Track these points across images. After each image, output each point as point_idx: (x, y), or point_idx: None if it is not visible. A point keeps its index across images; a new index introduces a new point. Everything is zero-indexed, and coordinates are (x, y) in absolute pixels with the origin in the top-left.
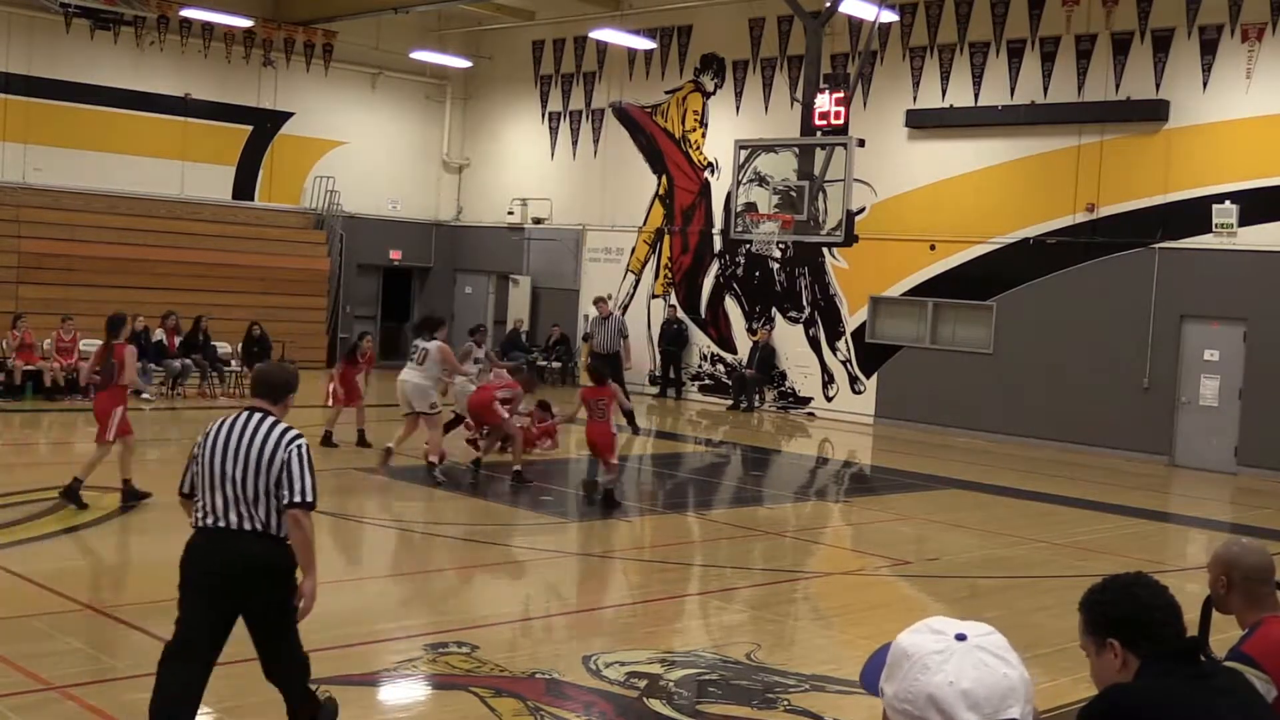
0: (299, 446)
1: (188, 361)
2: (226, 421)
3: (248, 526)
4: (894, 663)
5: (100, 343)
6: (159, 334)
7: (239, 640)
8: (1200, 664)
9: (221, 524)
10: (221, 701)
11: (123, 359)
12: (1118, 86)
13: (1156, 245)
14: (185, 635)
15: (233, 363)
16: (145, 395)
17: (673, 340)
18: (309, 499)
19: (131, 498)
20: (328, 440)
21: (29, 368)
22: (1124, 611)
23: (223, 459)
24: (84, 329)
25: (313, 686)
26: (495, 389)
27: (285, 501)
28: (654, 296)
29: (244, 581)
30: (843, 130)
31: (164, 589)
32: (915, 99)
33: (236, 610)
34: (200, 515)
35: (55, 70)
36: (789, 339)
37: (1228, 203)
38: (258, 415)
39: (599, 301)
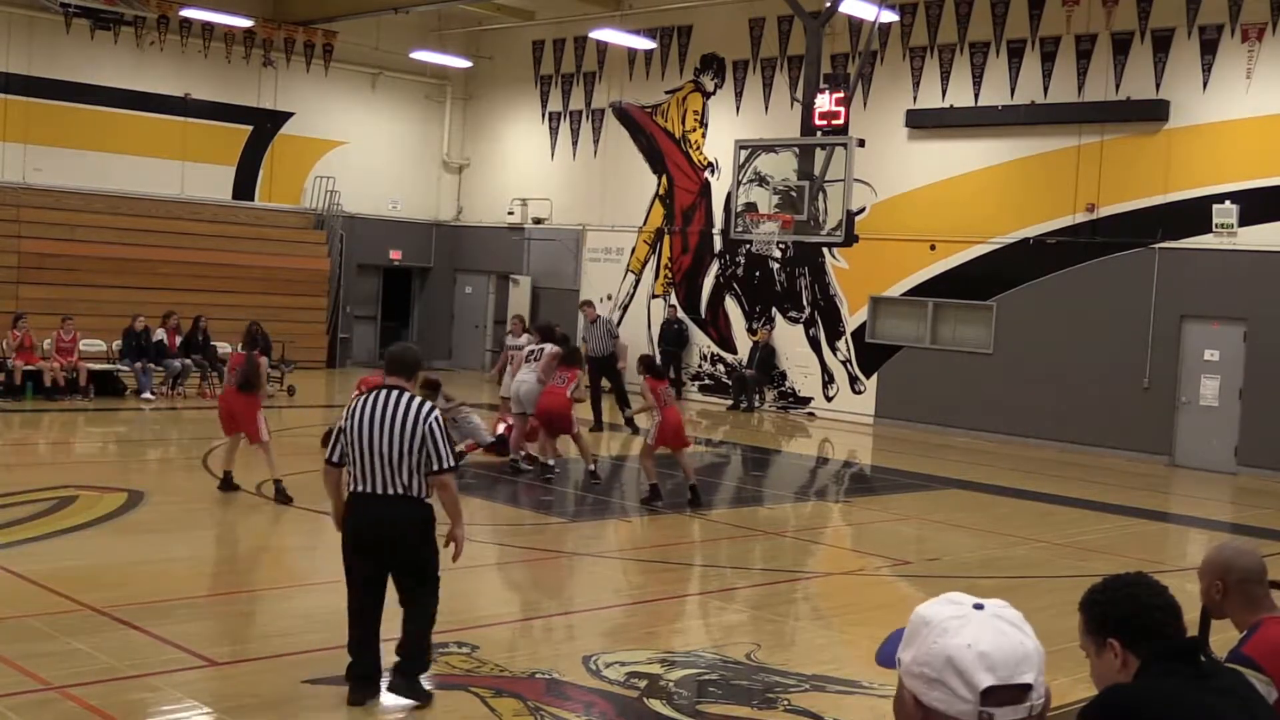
0: (435, 419)
1: (187, 361)
2: (369, 399)
3: (393, 491)
4: (912, 631)
5: (234, 349)
6: (160, 334)
7: (240, 640)
8: (1201, 664)
9: (370, 489)
10: (222, 701)
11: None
12: (1118, 86)
13: (1156, 245)
14: (352, 583)
15: None
16: (145, 395)
17: (673, 340)
18: (450, 464)
19: (282, 498)
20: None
21: (29, 368)
22: (1124, 612)
23: (370, 431)
24: (84, 329)
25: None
26: (568, 389)
27: (434, 469)
28: (654, 296)
29: (393, 539)
30: (843, 130)
31: (163, 588)
32: (915, 99)
33: (388, 561)
34: (354, 482)
35: (55, 70)
36: (789, 339)
37: (1228, 203)
38: (396, 392)
39: (585, 306)
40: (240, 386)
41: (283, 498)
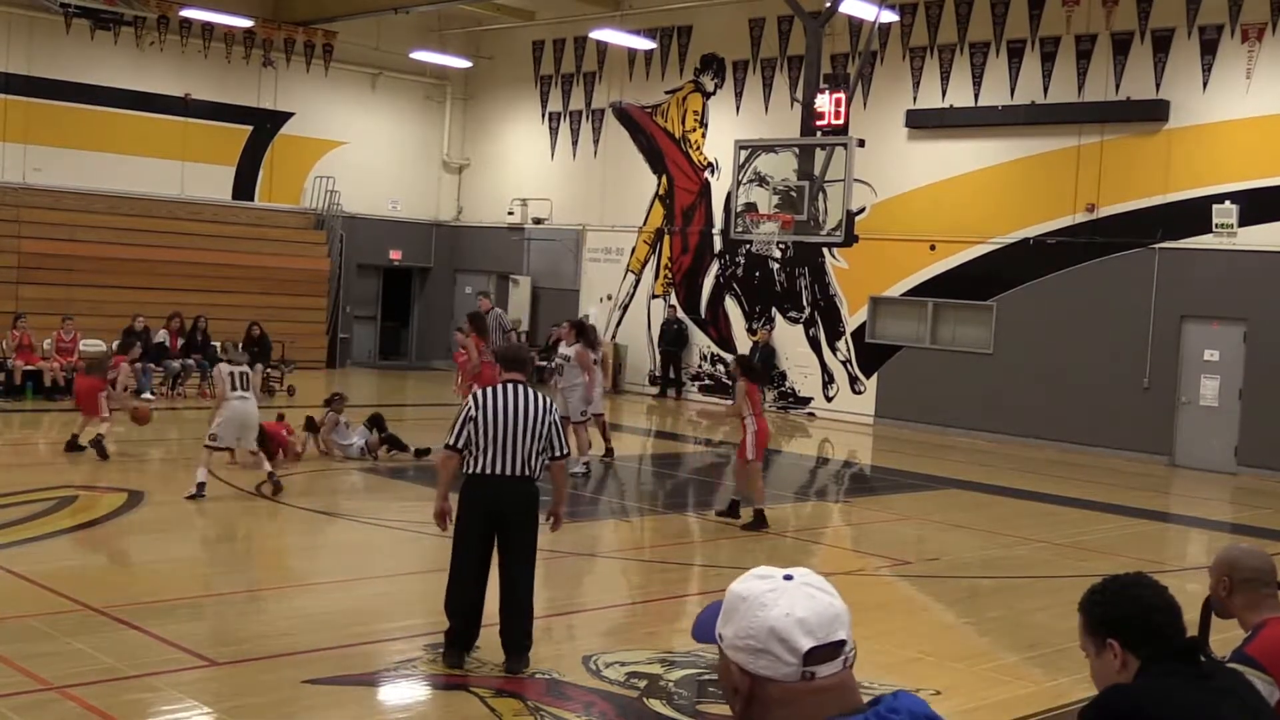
0: (556, 410)
1: (188, 362)
2: (496, 392)
3: (519, 473)
4: (730, 608)
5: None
6: (162, 334)
7: (240, 641)
8: (1201, 664)
9: (499, 471)
10: (222, 701)
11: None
12: (1118, 87)
13: (1156, 245)
14: (467, 553)
15: None
16: (146, 396)
17: (673, 340)
18: (566, 450)
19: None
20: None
21: (29, 368)
22: (1124, 612)
23: (504, 421)
24: (84, 329)
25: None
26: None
27: (555, 455)
28: (654, 296)
29: (511, 514)
30: (843, 130)
31: (164, 588)
32: (915, 99)
33: (497, 534)
34: (479, 464)
35: (56, 70)
36: (789, 339)
37: (1228, 203)
38: (521, 387)
39: (481, 295)
40: (87, 370)
41: (101, 452)
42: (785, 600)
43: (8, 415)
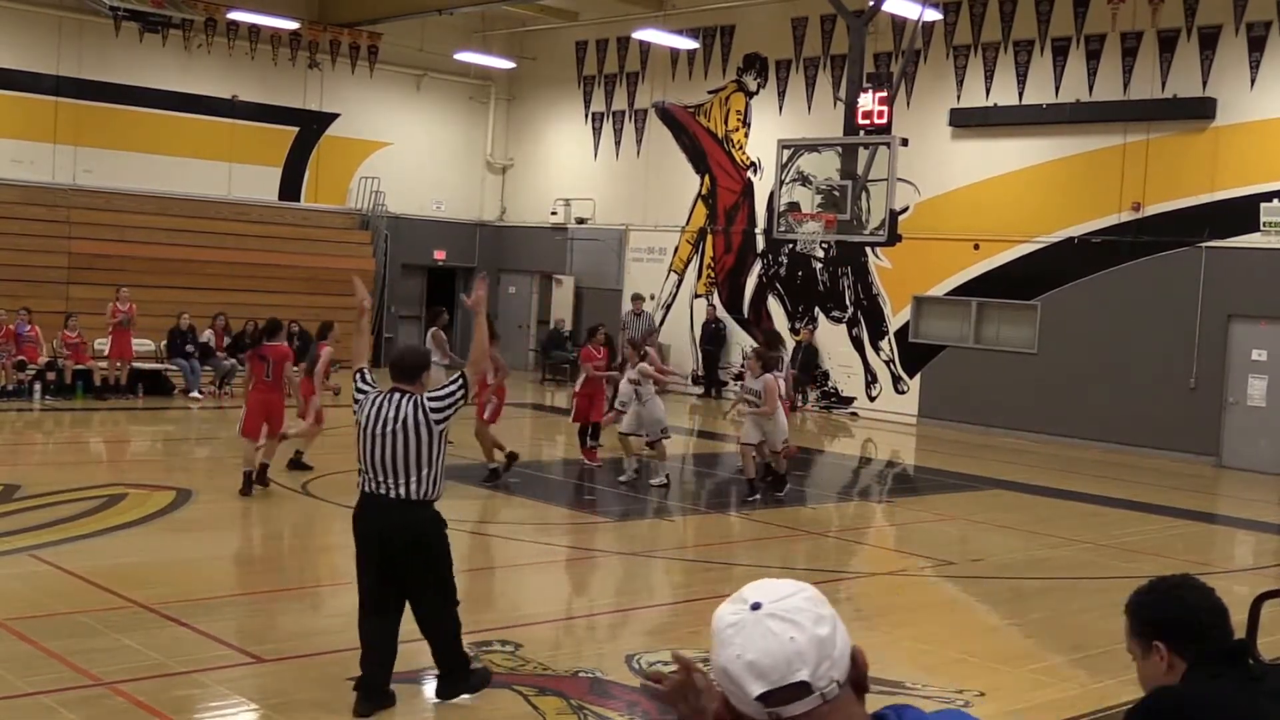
0: (436, 416)
1: (235, 361)
2: (377, 400)
3: (395, 495)
4: (711, 634)
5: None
6: (207, 334)
7: (285, 638)
8: (1249, 666)
9: (369, 489)
10: (268, 698)
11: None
12: (1164, 84)
13: (1203, 244)
14: (361, 581)
15: None
16: (194, 394)
17: (710, 340)
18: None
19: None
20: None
21: (79, 367)
22: (1170, 614)
23: (375, 432)
24: (134, 329)
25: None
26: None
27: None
28: (696, 296)
29: (395, 543)
30: (886, 129)
31: (211, 585)
32: (959, 98)
33: (396, 567)
34: (360, 481)
35: (105, 73)
36: (832, 339)
37: (1276, 201)
38: (400, 396)
39: (637, 299)
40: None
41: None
42: (740, 639)
43: (59, 414)
